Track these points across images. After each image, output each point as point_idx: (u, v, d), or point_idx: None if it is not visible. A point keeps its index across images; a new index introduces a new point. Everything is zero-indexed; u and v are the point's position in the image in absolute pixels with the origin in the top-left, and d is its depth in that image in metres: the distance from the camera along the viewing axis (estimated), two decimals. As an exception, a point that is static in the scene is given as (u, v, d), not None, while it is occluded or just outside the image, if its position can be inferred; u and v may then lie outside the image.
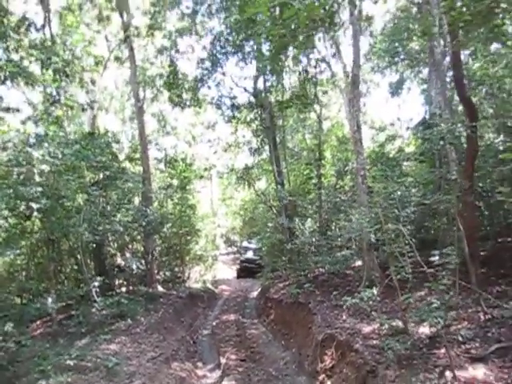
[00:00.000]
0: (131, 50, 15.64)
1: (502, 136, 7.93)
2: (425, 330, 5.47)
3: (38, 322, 10.04)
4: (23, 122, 6.24)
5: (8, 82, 8.72)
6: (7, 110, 10.23)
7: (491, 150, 7.69)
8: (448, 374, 4.10)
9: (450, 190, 7.74)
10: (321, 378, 6.28)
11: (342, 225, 12.71)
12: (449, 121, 8.48)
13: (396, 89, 22.33)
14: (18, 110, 9.43)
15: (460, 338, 4.87)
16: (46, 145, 6.39)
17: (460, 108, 10.93)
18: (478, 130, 6.91)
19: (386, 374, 4.47)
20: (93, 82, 13.49)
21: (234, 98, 17.27)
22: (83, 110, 11.40)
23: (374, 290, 7.15)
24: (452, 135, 6.78)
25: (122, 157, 16.09)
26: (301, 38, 11.53)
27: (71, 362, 5.68)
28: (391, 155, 14.24)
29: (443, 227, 11.39)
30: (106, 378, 5.53)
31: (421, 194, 10.81)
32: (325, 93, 17.74)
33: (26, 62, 8.83)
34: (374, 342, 5.60)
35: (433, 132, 7.38)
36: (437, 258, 6.03)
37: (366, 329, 6.33)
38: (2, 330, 5.05)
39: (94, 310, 8.28)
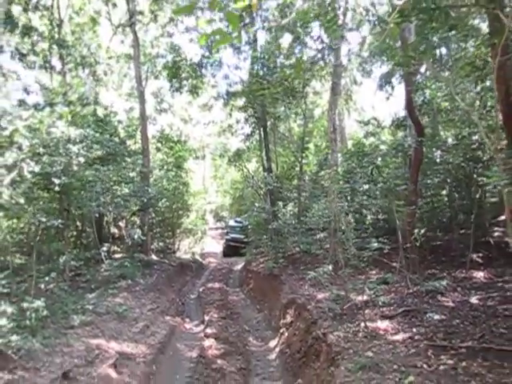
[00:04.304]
0: (135, 35, 16.75)
1: (439, 151, 9.61)
2: (362, 297, 7.24)
3: (47, 279, 11.72)
4: (67, 123, 7.60)
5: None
6: (26, 91, 11.67)
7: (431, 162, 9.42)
8: (362, 324, 5.89)
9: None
10: (281, 330, 8.11)
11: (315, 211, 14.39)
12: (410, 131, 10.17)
13: (385, 82, 23.33)
14: (36, 93, 10.88)
15: (380, 303, 6.65)
16: (84, 143, 7.87)
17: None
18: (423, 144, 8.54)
19: (322, 323, 6.26)
20: (105, 74, 14.71)
21: (230, 85, 18.60)
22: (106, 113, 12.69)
23: (330, 267, 8.96)
24: (402, 147, 8.42)
25: (121, 132, 17.42)
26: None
27: (89, 307, 7.38)
28: (367, 150, 15.82)
29: (404, 218, 13.22)
30: (118, 320, 7.27)
31: (391, 187, 12.54)
32: (314, 88, 19.06)
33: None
34: (323, 304, 7.37)
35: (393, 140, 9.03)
36: (375, 244, 7.71)
37: (320, 295, 8.11)
38: (50, 276, 6.70)
39: (102, 270, 9.91)
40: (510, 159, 4.24)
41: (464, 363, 4.27)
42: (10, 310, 5.00)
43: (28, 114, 6.38)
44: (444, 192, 12.23)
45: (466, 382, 3.88)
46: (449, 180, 10.67)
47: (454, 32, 5.15)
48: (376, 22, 13.20)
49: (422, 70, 13.76)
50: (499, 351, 4.39)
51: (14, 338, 4.94)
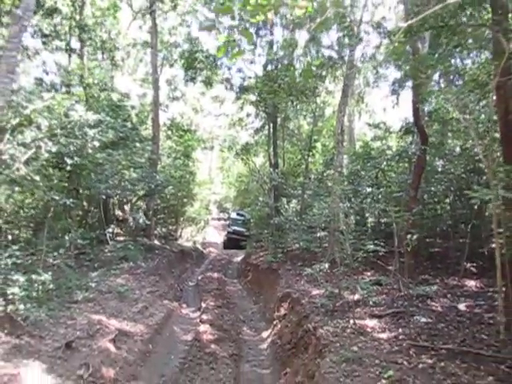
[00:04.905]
0: (154, 22, 16.92)
1: (441, 161, 9.80)
2: (354, 296, 7.50)
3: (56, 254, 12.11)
4: (86, 108, 7.90)
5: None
6: (46, 72, 11.99)
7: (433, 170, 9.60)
8: (351, 321, 6.15)
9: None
10: (275, 322, 8.40)
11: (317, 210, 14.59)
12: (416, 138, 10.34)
13: (398, 86, 23.16)
14: (55, 73, 11.18)
15: (371, 303, 6.91)
16: (99, 128, 8.18)
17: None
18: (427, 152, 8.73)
19: (314, 318, 6.53)
20: (122, 59, 14.95)
21: (243, 79, 18.75)
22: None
23: (326, 265, 9.22)
24: (406, 153, 8.61)
25: (133, 118, 17.68)
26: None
27: (92, 285, 7.72)
28: (373, 154, 15.95)
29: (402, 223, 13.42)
30: (118, 299, 7.60)
31: (396, 191, 12.72)
32: (326, 87, 19.15)
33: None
34: (316, 300, 7.64)
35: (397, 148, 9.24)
36: (371, 246, 7.94)
37: (314, 291, 8.38)
38: (58, 252, 7.05)
39: (106, 250, 10.24)
40: (502, 173, 4.45)
41: (442, 363, 4.52)
42: (22, 280, 5.33)
43: (48, 96, 6.68)
44: (447, 200, 12.43)
45: (442, 380, 4.14)
46: (452, 189, 10.87)
47: (459, 49, 5.32)
48: (386, 36, 13.38)
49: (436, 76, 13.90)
50: (477, 355, 4.64)
51: (22, 306, 5.27)
